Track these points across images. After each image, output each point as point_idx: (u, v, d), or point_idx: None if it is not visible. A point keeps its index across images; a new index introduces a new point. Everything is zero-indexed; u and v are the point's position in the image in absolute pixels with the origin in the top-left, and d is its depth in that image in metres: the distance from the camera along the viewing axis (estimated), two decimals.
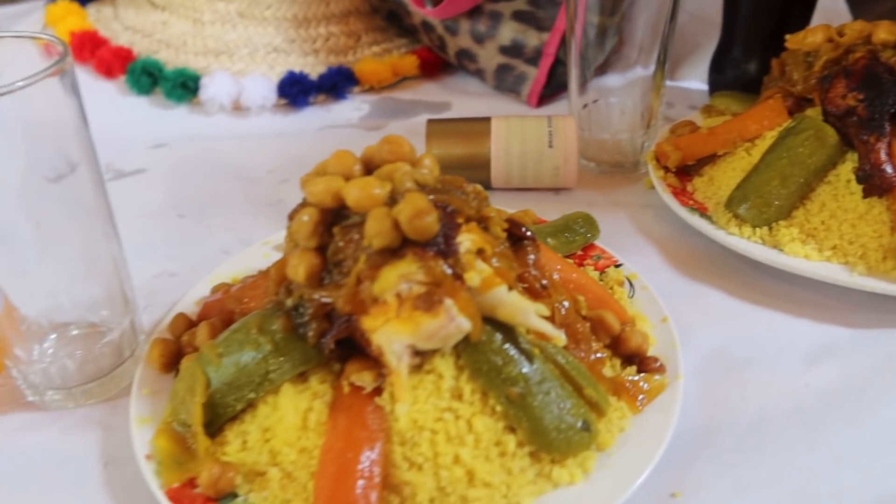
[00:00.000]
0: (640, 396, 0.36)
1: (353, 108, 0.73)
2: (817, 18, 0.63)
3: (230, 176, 0.61)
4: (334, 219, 0.33)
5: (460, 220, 0.32)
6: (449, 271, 0.31)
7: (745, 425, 0.37)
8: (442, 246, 0.31)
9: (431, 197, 0.32)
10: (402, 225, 0.30)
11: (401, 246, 0.31)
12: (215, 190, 0.59)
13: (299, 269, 0.32)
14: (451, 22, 0.73)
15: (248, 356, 0.34)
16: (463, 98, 0.74)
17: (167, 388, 0.38)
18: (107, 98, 0.72)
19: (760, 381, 0.39)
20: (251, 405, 0.34)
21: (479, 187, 0.36)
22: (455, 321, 0.30)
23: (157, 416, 0.36)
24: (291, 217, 0.35)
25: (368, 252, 0.31)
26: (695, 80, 0.74)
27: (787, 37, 0.54)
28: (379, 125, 0.70)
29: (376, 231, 0.30)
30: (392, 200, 0.32)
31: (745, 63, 0.65)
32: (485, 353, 0.32)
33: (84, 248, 0.38)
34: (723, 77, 0.67)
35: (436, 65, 0.78)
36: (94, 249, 0.38)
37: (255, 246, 0.49)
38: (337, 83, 0.73)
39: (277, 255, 0.47)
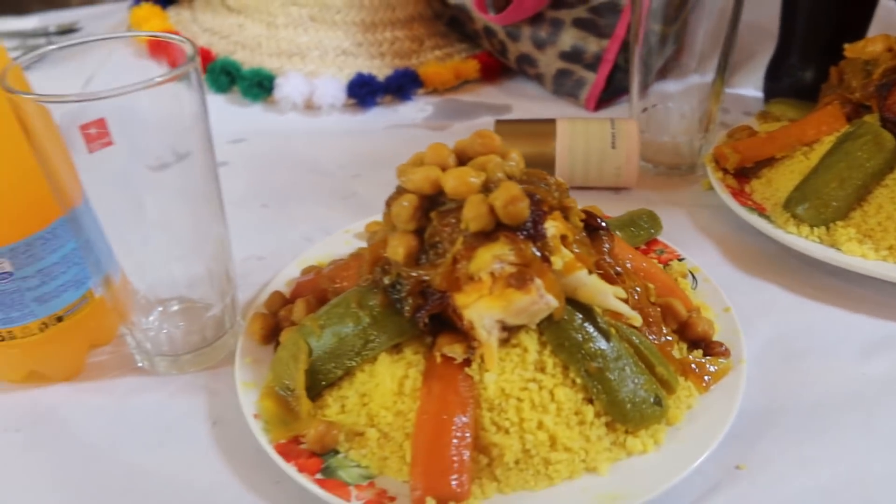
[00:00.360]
0: (706, 377, 0.38)
1: (418, 108, 0.76)
2: (874, 28, 0.65)
3: (305, 170, 0.65)
4: (430, 205, 0.36)
5: (546, 209, 0.36)
6: (538, 254, 0.34)
7: (806, 408, 0.39)
8: (531, 231, 0.34)
9: (522, 186, 0.35)
10: (497, 210, 0.33)
11: (494, 230, 0.34)
12: (293, 182, 0.63)
13: (399, 250, 0.35)
14: (512, 28, 0.76)
15: (349, 328, 0.37)
16: (522, 101, 0.77)
17: (265, 357, 0.41)
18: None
19: (819, 370, 0.42)
20: (348, 373, 0.38)
21: (560, 180, 0.39)
22: (544, 298, 0.33)
23: (258, 382, 0.40)
24: (389, 203, 0.38)
25: (465, 234, 0.34)
26: (749, 87, 0.76)
27: (846, 46, 0.56)
28: (442, 125, 0.73)
29: (473, 215, 0.33)
30: (486, 189, 0.35)
31: (801, 71, 0.67)
32: (566, 330, 0.35)
33: (195, 229, 0.42)
34: (779, 84, 0.69)
35: (496, 69, 0.82)
36: (205, 231, 0.42)
37: (337, 234, 0.52)
38: (403, 85, 0.76)
39: (359, 243, 0.51)
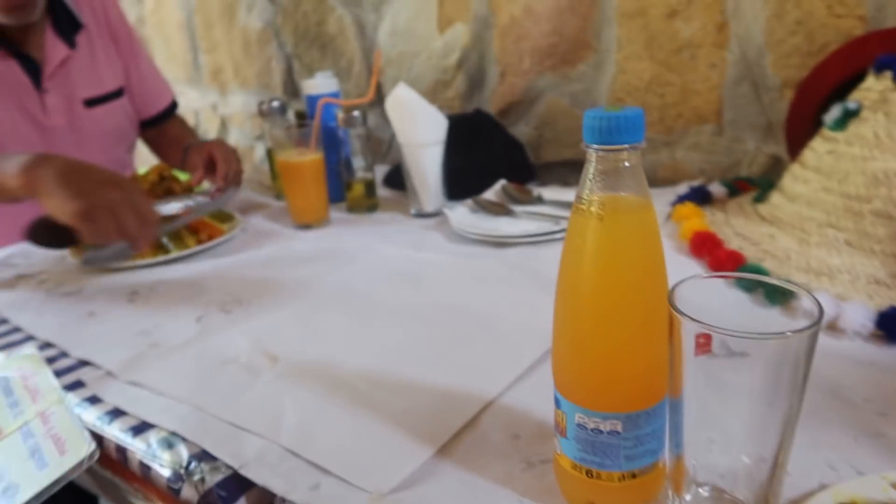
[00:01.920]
0: None
1: None
2: None
3: (827, 392, 0.68)
4: None
5: None
6: None
7: None
8: None
9: None
10: None
11: None
12: (815, 402, 0.67)
13: None
14: None
15: None
16: None
17: None
18: (716, 289, 0.87)
19: None
20: None
21: None
22: None
23: None
24: None
25: None
26: None
27: None
28: None
29: None
30: None
31: None
32: None
33: (762, 435, 0.49)
34: None
35: None
36: (771, 439, 0.49)
37: (872, 477, 0.54)
38: None
39: None
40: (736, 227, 0.95)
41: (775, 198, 0.96)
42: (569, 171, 1.57)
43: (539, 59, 1.55)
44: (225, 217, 1.31)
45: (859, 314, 0.77)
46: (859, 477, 0.55)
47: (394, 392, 0.70)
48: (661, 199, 1.15)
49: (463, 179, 1.31)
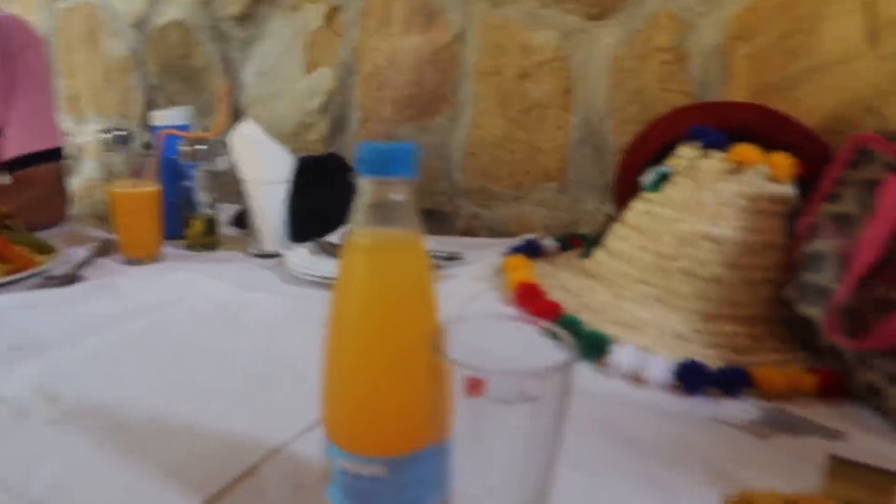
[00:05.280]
0: None
1: (743, 408, 0.76)
2: None
3: (621, 442, 0.69)
4: None
5: None
6: None
7: None
8: None
9: None
10: None
11: None
12: (605, 452, 0.67)
13: None
14: (865, 354, 0.74)
15: None
16: (859, 432, 0.72)
17: None
18: (532, 337, 0.88)
19: None
20: None
21: None
22: None
23: None
24: None
25: None
26: None
27: None
28: (765, 434, 0.72)
29: None
30: None
31: None
32: None
33: (524, 473, 0.48)
34: None
35: (835, 389, 0.79)
36: (533, 481, 0.48)
37: None
38: (732, 381, 0.78)
39: None
40: (561, 280, 0.98)
41: (599, 254, 1.00)
42: (423, 219, 1.58)
43: (399, 108, 1.56)
44: (44, 248, 1.21)
45: (661, 366, 0.80)
46: None
47: (173, 440, 0.64)
48: (498, 251, 1.17)
49: (311, 221, 1.28)
